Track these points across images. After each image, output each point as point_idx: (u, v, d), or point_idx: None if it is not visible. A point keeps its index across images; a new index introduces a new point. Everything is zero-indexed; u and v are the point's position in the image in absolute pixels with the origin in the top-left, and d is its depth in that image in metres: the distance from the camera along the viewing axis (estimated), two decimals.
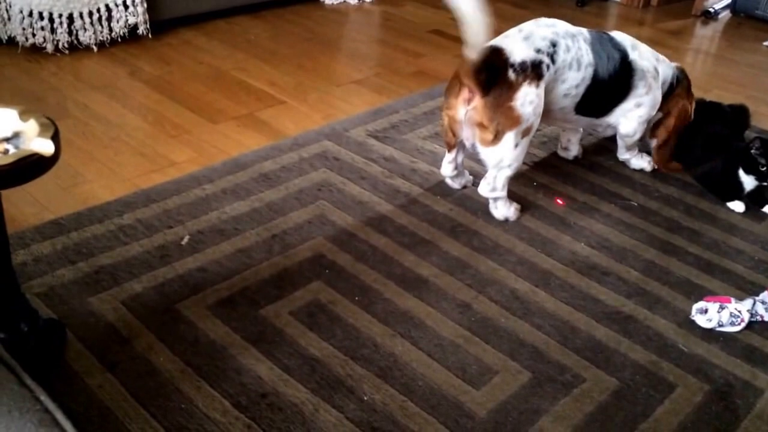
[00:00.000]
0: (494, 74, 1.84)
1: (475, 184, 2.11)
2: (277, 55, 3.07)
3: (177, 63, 2.90)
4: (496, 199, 2.03)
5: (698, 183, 2.31)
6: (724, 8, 4.05)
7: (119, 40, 2.99)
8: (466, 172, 2.19)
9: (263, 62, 2.98)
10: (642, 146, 2.38)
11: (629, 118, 2.18)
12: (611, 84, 2.07)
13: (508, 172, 1.98)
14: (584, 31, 2.04)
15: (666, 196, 2.24)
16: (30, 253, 1.75)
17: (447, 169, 2.13)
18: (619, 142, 2.31)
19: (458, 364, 1.55)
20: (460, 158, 2.11)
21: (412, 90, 2.83)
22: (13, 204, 1.92)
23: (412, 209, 2.06)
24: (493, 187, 1.99)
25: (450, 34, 3.41)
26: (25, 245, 1.77)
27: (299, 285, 1.73)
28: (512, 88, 1.85)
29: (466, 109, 1.90)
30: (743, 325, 1.70)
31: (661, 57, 2.21)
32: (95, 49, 2.93)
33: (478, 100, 1.87)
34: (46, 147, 1.19)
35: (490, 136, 1.89)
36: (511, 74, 1.85)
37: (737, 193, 2.20)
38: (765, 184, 2.16)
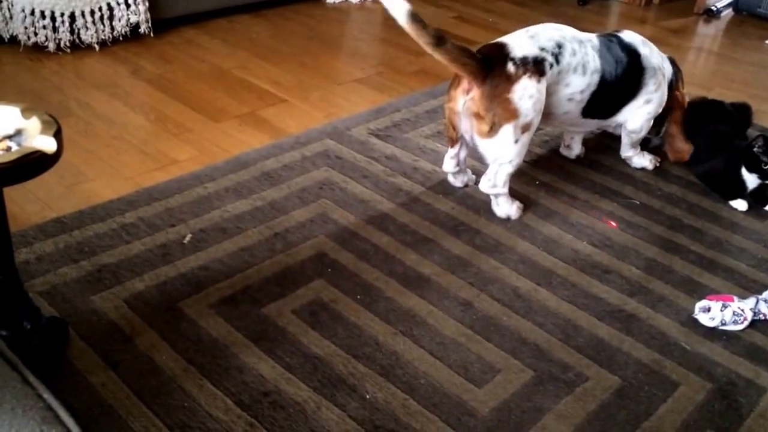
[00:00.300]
0: (490, 64, 1.85)
1: (477, 182, 2.11)
2: (279, 53, 3.07)
3: (179, 62, 2.90)
4: (497, 197, 2.03)
5: (701, 181, 2.31)
6: (726, 6, 4.04)
7: (121, 38, 2.99)
8: (468, 171, 2.19)
9: (265, 61, 2.98)
10: (643, 144, 2.38)
11: (638, 114, 2.19)
12: (620, 86, 2.08)
13: (508, 169, 1.97)
14: (593, 37, 2.04)
15: (668, 195, 2.24)
16: (32, 252, 1.75)
17: (449, 165, 2.12)
18: (624, 139, 2.31)
19: (460, 362, 1.55)
20: (462, 154, 2.10)
21: (413, 89, 2.83)
22: (16, 202, 1.92)
23: (414, 208, 2.06)
24: (493, 183, 1.99)
25: (452, 33, 3.41)
26: (27, 243, 1.77)
27: (301, 283, 1.73)
28: (510, 80, 1.85)
29: (465, 99, 1.90)
30: (746, 323, 1.70)
31: (660, 52, 2.22)
32: (97, 47, 2.93)
33: (475, 90, 1.87)
34: (48, 144, 1.19)
35: (486, 127, 1.89)
36: (511, 67, 1.86)
37: (740, 191, 2.20)
38: (767, 182, 2.16)
